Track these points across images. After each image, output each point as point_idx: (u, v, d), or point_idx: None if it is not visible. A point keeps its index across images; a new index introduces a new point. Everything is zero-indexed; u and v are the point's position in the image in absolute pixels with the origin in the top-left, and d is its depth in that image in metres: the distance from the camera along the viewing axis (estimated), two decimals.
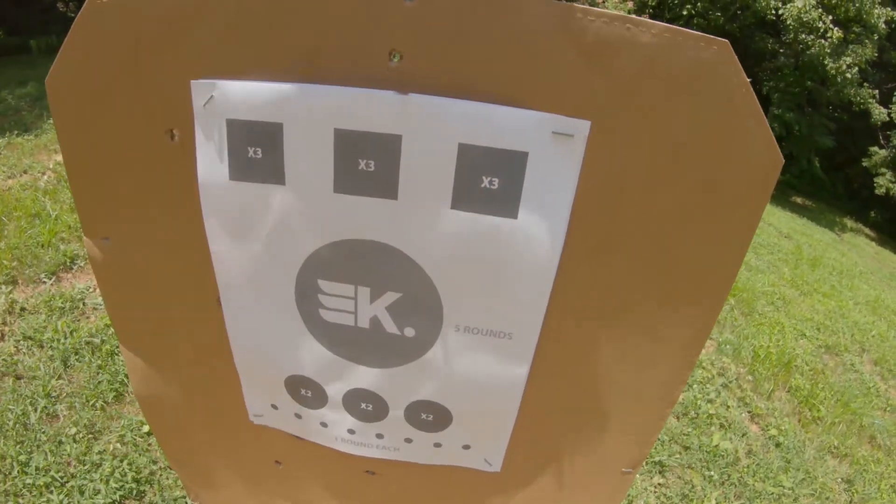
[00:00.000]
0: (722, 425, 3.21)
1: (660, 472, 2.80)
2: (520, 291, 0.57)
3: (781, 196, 12.20)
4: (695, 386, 3.46)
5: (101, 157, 0.63)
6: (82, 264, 3.65)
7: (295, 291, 0.61)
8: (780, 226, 8.69)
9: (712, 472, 2.82)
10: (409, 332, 0.61)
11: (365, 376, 0.66)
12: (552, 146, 0.50)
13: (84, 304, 3.28)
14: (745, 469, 2.92)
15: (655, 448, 2.91)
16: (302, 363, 0.67)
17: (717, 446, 3.01)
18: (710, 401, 3.38)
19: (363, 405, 0.68)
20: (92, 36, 0.56)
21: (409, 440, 0.71)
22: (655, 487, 2.72)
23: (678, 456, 2.92)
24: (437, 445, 0.71)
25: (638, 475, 2.75)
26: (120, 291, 0.72)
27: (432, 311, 0.59)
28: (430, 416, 0.68)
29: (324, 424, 0.73)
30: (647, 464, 2.82)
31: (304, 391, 0.69)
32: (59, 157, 5.26)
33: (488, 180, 0.52)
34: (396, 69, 0.50)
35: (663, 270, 0.56)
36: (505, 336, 0.60)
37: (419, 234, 0.55)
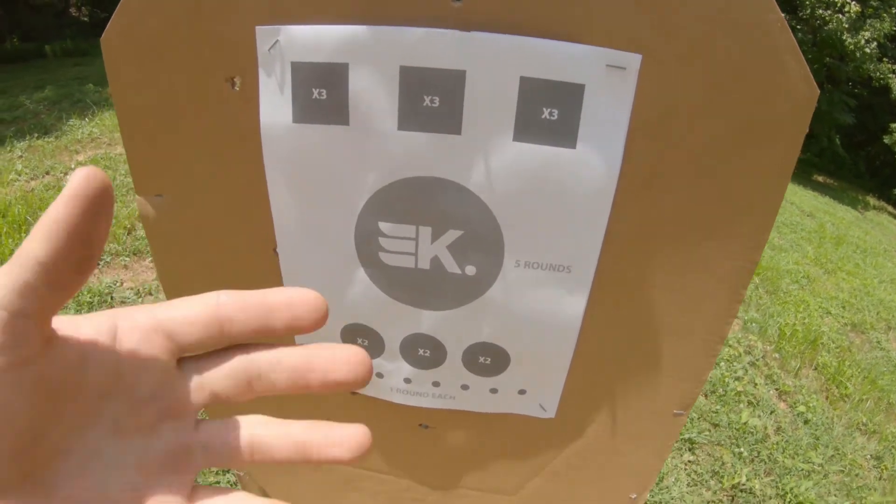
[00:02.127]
0: (750, 402, 3.20)
1: (690, 450, 2.81)
2: (578, 222, 0.57)
3: (803, 175, 12.07)
4: (722, 364, 3.45)
5: (157, 112, 0.63)
6: (108, 259, 3.71)
7: (355, 235, 0.62)
8: (802, 204, 8.61)
9: (742, 449, 2.82)
10: (471, 270, 0.62)
11: (424, 320, 0.66)
12: (606, 78, 0.51)
13: (112, 297, 3.34)
14: (775, 446, 2.91)
15: (685, 425, 2.92)
16: (360, 310, 0.67)
17: (745, 423, 3.01)
18: (737, 378, 3.37)
19: (421, 351, 0.69)
20: None
21: (465, 387, 0.72)
22: (686, 464, 2.73)
23: (707, 433, 2.92)
24: (494, 391, 0.72)
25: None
26: (172, 250, 0.73)
27: (493, 247, 0.60)
28: (487, 359, 0.68)
29: (379, 375, 0.73)
30: (677, 441, 2.82)
31: (361, 340, 0.70)
32: (81, 158, 5.37)
33: (548, 111, 0.52)
34: (459, 9, 0.51)
35: (711, 200, 0.57)
36: (564, 269, 0.60)
37: (482, 168, 0.55)
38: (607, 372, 0.70)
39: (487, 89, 0.52)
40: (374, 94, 0.54)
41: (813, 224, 7.59)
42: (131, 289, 3.43)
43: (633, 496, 0.83)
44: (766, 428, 3.01)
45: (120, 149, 5.62)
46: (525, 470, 0.82)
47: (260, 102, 0.58)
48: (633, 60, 0.51)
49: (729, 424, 2.98)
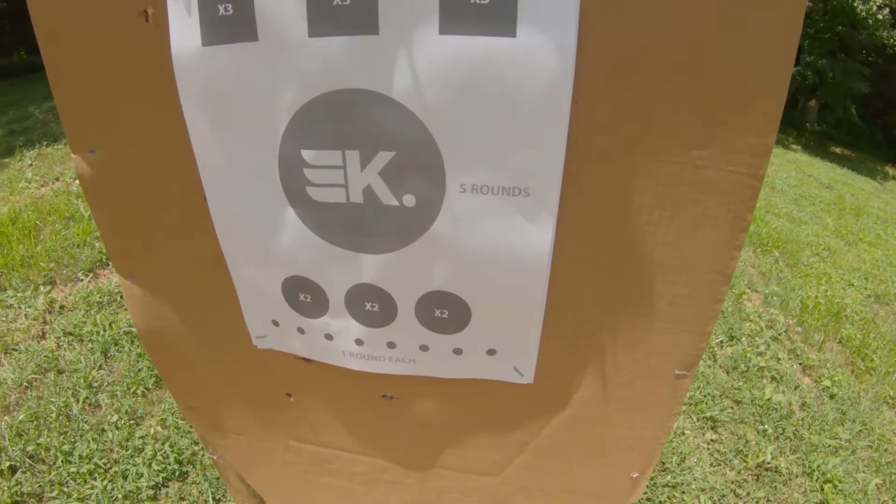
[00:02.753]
0: (773, 378, 3.11)
1: (712, 428, 2.72)
2: (531, 130, 0.47)
3: (820, 147, 11.86)
4: (743, 339, 3.35)
5: (80, 60, 0.58)
6: None
7: (279, 169, 0.53)
8: (820, 177, 8.45)
9: (766, 426, 2.74)
10: (409, 199, 0.52)
11: (366, 267, 0.57)
12: None
13: (121, 297, 3.32)
14: (800, 422, 2.83)
15: (707, 403, 2.83)
16: (296, 259, 0.59)
17: (769, 399, 2.92)
18: (759, 354, 3.28)
19: (368, 305, 0.60)
20: None
21: (424, 347, 0.63)
22: (708, 444, 2.64)
23: (730, 411, 2.83)
24: (458, 352, 0.63)
25: (689, 431, 2.66)
26: (111, 209, 0.67)
27: (432, 170, 0.50)
28: (444, 312, 0.59)
29: (328, 336, 0.65)
30: (698, 419, 2.74)
31: (304, 296, 0.62)
32: None
33: None
34: None
35: (701, 91, 0.45)
36: (521, 193, 0.50)
37: (407, 72, 0.46)
38: (591, 324, 0.59)
39: None
40: (280, 0, 0.46)
41: (832, 196, 7.42)
42: None
43: (635, 475, 0.73)
44: (790, 404, 2.91)
45: None
46: (507, 446, 0.73)
47: (170, 29, 0.51)
48: None
49: (752, 401, 2.88)
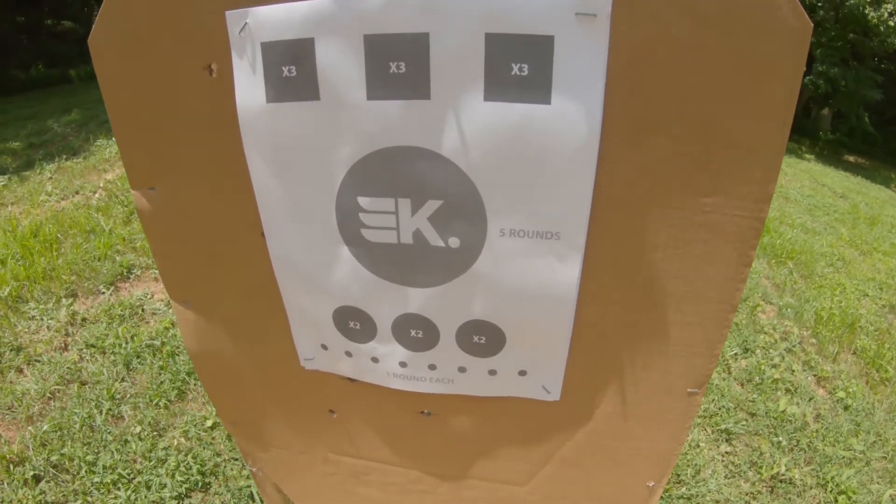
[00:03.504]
0: (788, 390, 3.11)
1: (727, 441, 2.73)
2: (563, 183, 0.55)
3: (833, 156, 11.79)
4: (758, 351, 3.36)
5: (143, 106, 0.64)
6: (139, 273, 3.78)
7: (335, 213, 0.60)
8: (834, 186, 8.40)
9: (780, 438, 2.74)
10: (454, 242, 0.59)
11: (413, 299, 0.64)
12: (577, 27, 0.49)
13: (143, 309, 3.39)
14: (814, 433, 2.82)
15: (721, 416, 2.85)
16: (348, 291, 0.66)
17: (783, 412, 2.92)
18: (774, 366, 3.28)
19: (413, 332, 0.67)
20: None
21: (462, 369, 0.69)
22: (723, 456, 2.66)
23: (744, 423, 2.84)
24: (493, 373, 0.69)
25: (704, 444, 2.68)
26: (168, 241, 0.73)
27: (475, 216, 0.57)
28: (482, 338, 0.66)
29: (374, 360, 0.71)
30: (713, 432, 2.75)
31: (353, 324, 0.68)
32: (109, 177, 5.48)
33: (518, 67, 0.50)
34: None
35: (708, 150, 0.53)
36: (552, 236, 0.57)
37: (454, 132, 0.53)
38: (612, 348, 0.66)
39: (453, 50, 0.51)
40: (341, 65, 0.53)
41: (846, 205, 7.39)
42: (162, 300, 3.47)
43: (651, 484, 0.79)
44: (804, 416, 2.92)
45: None
46: (534, 457, 0.79)
47: (235, 86, 0.58)
48: (604, 5, 0.48)
49: (766, 413, 2.89)
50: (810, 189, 8.14)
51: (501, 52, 0.50)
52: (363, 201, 0.59)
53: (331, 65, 0.53)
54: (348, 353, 0.73)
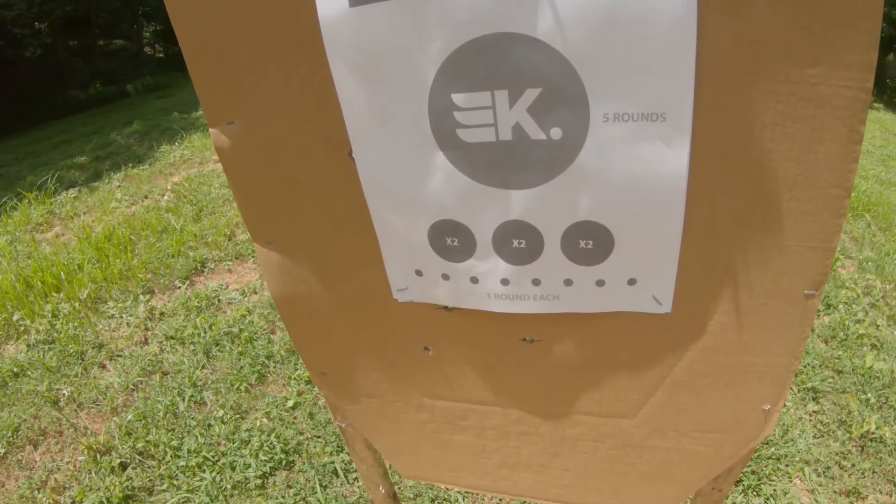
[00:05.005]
0: (874, 345, 2.99)
1: (814, 399, 2.64)
2: (664, 58, 0.50)
3: None
4: (840, 307, 3.23)
5: (217, 34, 0.63)
6: (212, 266, 3.90)
7: (429, 116, 0.57)
8: None
9: (868, 395, 2.64)
10: (556, 132, 0.56)
11: (514, 203, 0.61)
12: None
13: (219, 300, 3.49)
14: None
15: (807, 373, 2.75)
16: (445, 203, 0.63)
17: (870, 368, 2.81)
18: (858, 321, 3.15)
19: (515, 242, 0.64)
20: None
21: (568, 282, 0.66)
22: (811, 415, 2.57)
23: (831, 381, 2.74)
24: (600, 284, 0.65)
25: (790, 402, 2.59)
26: (250, 178, 0.72)
27: (577, 102, 0.53)
28: (589, 242, 0.62)
29: (474, 280, 0.69)
30: (799, 391, 2.66)
31: (451, 240, 0.66)
32: (176, 179, 5.67)
33: None
34: None
35: (808, 17, 0.49)
36: (658, 118, 0.53)
37: (549, 12, 0.50)
38: (724, 247, 0.62)
39: None
40: None
41: None
42: (237, 290, 3.58)
43: (767, 407, 0.74)
44: (892, 371, 2.78)
45: (211, 165, 5.92)
46: (644, 383, 0.75)
47: None
48: None
49: (853, 370, 2.77)
50: (882, 139, 7.76)
51: None
52: (457, 98, 0.56)
53: None
54: (445, 276, 0.70)
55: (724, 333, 0.68)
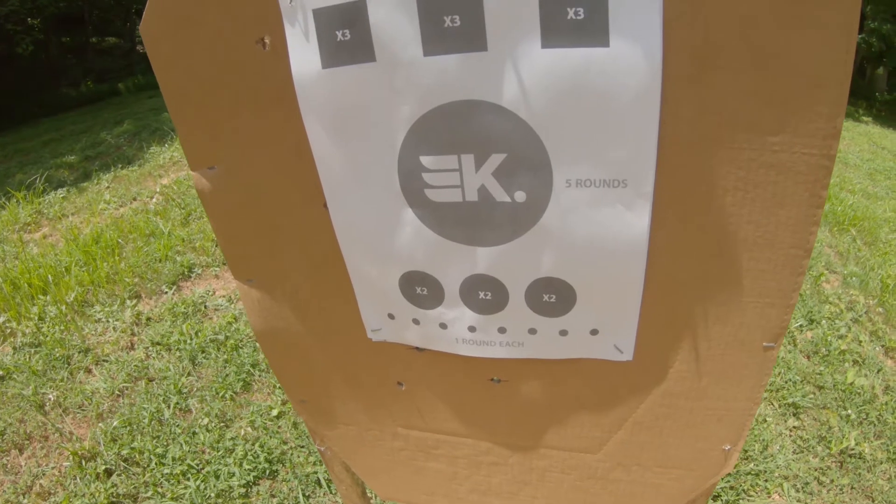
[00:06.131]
0: (855, 361, 3.02)
1: (794, 415, 2.67)
2: (627, 127, 0.53)
3: (891, 117, 11.31)
4: (823, 322, 3.26)
5: (198, 86, 0.65)
6: (200, 271, 3.89)
7: (398, 175, 0.60)
8: (894, 149, 8.04)
9: (849, 411, 2.67)
10: (520, 196, 0.58)
11: (480, 259, 0.63)
12: None
13: (205, 306, 3.49)
14: (884, 406, 2.74)
15: (788, 389, 2.78)
16: (414, 255, 0.65)
17: (852, 384, 2.84)
18: (840, 337, 3.18)
19: (482, 294, 0.66)
20: None
21: (532, 331, 0.68)
22: (791, 430, 2.59)
23: (812, 396, 2.77)
24: (564, 333, 0.68)
25: (771, 418, 2.62)
26: (230, 219, 0.74)
27: (540, 167, 0.56)
28: (552, 296, 0.64)
29: (443, 326, 0.71)
30: (780, 406, 2.69)
31: (420, 289, 0.68)
32: (165, 181, 5.66)
33: (573, 11, 0.49)
34: None
35: (773, 83, 0.51)
36: (619, 184, 0.56)
37: (514, 83, 0.52)
38: (684, 301, 0.64)
39: None
40: (394, 25, 0.53)
41: None
42: (223, 296, 3.58)
43: (727, 447, 0.76)
44: (873, 388, 2.82)
45: None
46: (607, 422, 0.78)
47: (290, 55, 0.58)
48: None
49: (834, 386, 2.80)
50: (869, 153, 7.82)
51: None
52: (426, 160, 0.58)
53: (384, 25, 0.53)
54: (416, 321, 0.72)
55: (683, 380, 0.71)
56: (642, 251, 0.60)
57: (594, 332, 0.67)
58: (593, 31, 0.49)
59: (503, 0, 0.50)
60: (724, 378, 0.70)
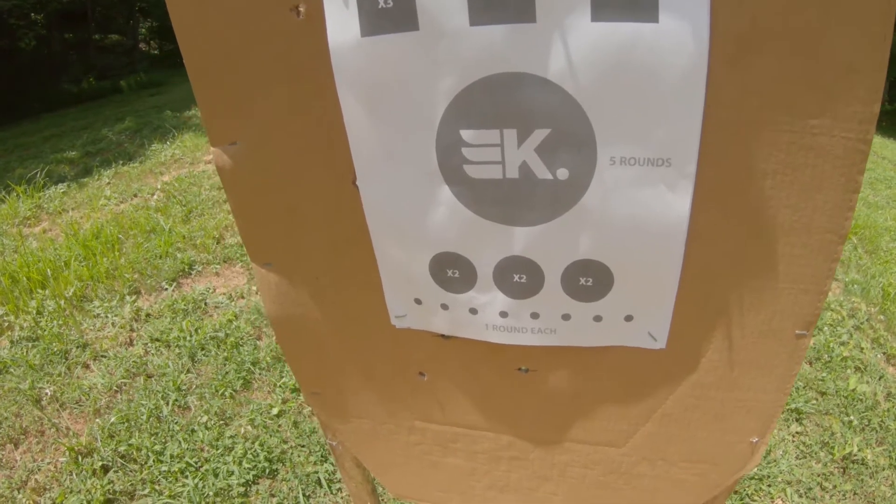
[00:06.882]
0: (857, 368, 3.02)
1: (797, 420, 2.66)
2: (673, 106, 0.52)
3: (892, 127, 11.35)
4: (825, 329, 3.26)
5: (224, 55, 0.63)
6: (200, 269, 3.87)
7: (436, 150, 0.58)
8: (895, 158, 8.08)
9: (851, 418, 2.66)
10: (563, 173, 0.56)
11: (517, 239, 0.62)
12: None
13: (206, 303, 3.47)
14: (886, 413, 2.74)
15: (791, 395, 2.77)
16: (448, 236, 0.63)
17: (854, 390, 2.84)
18: (842, 343, 3.18)
19: (516, 277, 0.65)
20: None
21: (566, 316, 0.67)
22: (793, 436, 2.59)
23: (815, 402, 2.77)
24: (598, 319, 0.66)
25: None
26: (250, 198, 0.72)
27: (585, 144, 0.55)
28: (589, 279, 0.63)
29: (473, 311, 0.69)
30: (783, 412, 2.67)
31: (451, 272, 0.66)
32: (166, 178, 5.64)
33: None
34: None
35: (813, 68, 0.51)
36: (663, 163, 0.54)
37: (562, 56, 0.51)
38: (720, 287, 0.63)
39: None
40: None
41: None
42: (224, 294, 3.56)
43: (755, 440, 0.75)
44: (875, 394, 2.81)
45: (202, 166, 5.89)
46: (635, 414, 0.76)
47: (326, 22, 0.56)
48: None
49: (836, 392, 2.80)
50: (870, 162, 7.84)
51: None
52: (466, 134, 0.56)
53: None
54: (444, 306, 0.70)
55: (715, 370, 0.69)
56: (682, 233, 0.58)
57: (629, 318, 0.66)
58: (644, 5, 0.48)
59: None
60: (756, 367, 0.69)
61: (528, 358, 0.74)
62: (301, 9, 0.58)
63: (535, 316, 0.67)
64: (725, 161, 0.56)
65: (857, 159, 0.54)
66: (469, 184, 0.59)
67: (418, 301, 0.72)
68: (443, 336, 0.75)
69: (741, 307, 0.64)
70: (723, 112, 0.53)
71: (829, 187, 0.56)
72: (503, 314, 0.68)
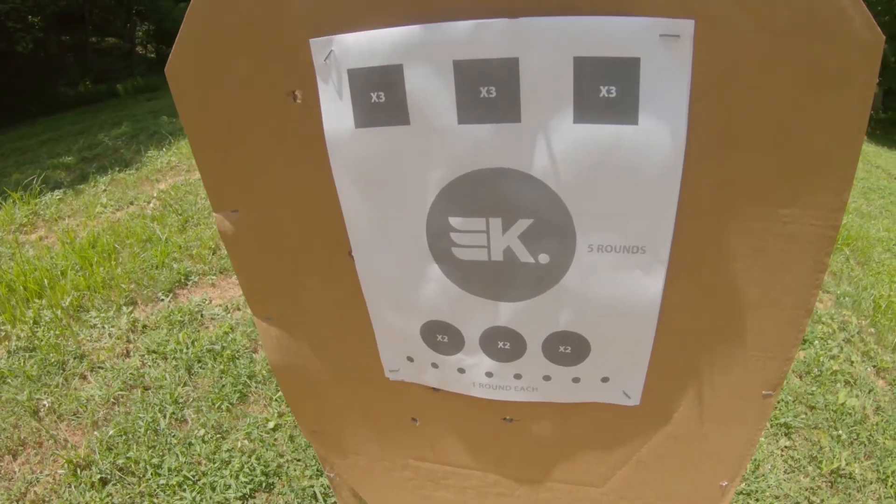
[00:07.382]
0: (847, 382, 3.04)
1: (786, 434, 2.68)
2: (649, 200, 0.56)
3: (886, 136, 11.39)
4: (816, 342, 3.28)
5: (224, 131, 0.67)
6: (196, 280, 3.88)
7: (426, 233, 0.63)
8: (888, 167, 8.12)
9: (840, 432, 2.68)
10: (544, 258, 0.61)
11: (502, 313, 0.66)
12: (661, 48, 0.51)
13: (202, 315, 3.48)
14: (875, 427, 2.75)
15: (780, 409, 2.80)
16: (437, 307, 0.68)
17: (843, 404, 2.85)
18: (832, 357, 3.20)
19: (501, 344, 0.69)
20: (206, 16, 0.60)
21: (547, 377, 0.71)
22: (782, 450, 2.61)
23: (804, 416, 2.78)
24: (576, 380, 0.71)
25: (763, 438, 2.64)
26: (252, 261, 0.76)
27: (565, 233, 0.59)
28: (568, 348, 0.68)
29: (461, 370, 0.74)
30: (772, 426, 2.71)
31: (441, 337, 0.71)
32: (162, 186, 5.64)
33: (606, 90, 0.52)
34: None
35: (786, 160, 0.55)
36: (638, 250, 0.59)
37: (545, 154, 0.55)
38: (691, 353, 0.68)
39: (542, 74, 0.52)
40: (431, 91, 0.55)
41: None
42: (220, 305, 3.57)
43: (724, 484, 0.80)
44: (864, 408, 2.84)
45: (198, 175, 5.87)
46: (612, 460, 0.81)
47: (322, 111, 0.61)
48: (687, 27, 0.50)
49: (826, 406, 2.82)
50: (863, 171, 7.87)
51: (589, 75, 0.52)
52: (454, 221, 0.61)
53: (420, 90, 0.55)
54: (434, 365, 0.75)
55: (687, 423, 0.74)
56: (655, 310, 0.63)
57: (605, 379, 0.70)
58: (624, 109, 0.52)
59: (539, 75, 0.52)
60: (725, 422, 0.73)
61: (513, 410, 0.78)
62: (298, 94, 0.62)
63: (518, 376, 0.72)
64: (698, 247, 0.60)
65: (824, 244, 0.58)
66: (457, 264, 0.64)
67: (410, 359, 0.76)
68: (433, 388, 0.80)
69: (711, 370, 0.69)
70: (697, 202, 0.58)
71: (798, 269, 0.60)
72: (489, 374, 0.73)
